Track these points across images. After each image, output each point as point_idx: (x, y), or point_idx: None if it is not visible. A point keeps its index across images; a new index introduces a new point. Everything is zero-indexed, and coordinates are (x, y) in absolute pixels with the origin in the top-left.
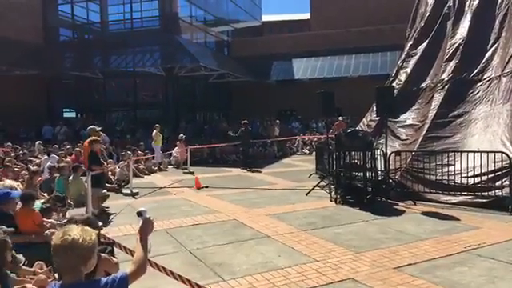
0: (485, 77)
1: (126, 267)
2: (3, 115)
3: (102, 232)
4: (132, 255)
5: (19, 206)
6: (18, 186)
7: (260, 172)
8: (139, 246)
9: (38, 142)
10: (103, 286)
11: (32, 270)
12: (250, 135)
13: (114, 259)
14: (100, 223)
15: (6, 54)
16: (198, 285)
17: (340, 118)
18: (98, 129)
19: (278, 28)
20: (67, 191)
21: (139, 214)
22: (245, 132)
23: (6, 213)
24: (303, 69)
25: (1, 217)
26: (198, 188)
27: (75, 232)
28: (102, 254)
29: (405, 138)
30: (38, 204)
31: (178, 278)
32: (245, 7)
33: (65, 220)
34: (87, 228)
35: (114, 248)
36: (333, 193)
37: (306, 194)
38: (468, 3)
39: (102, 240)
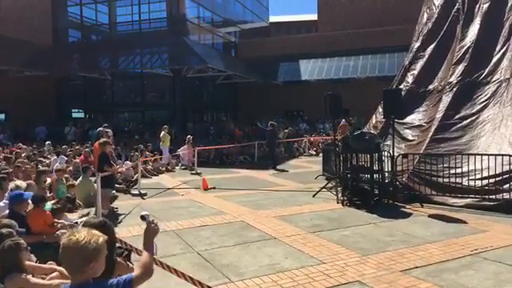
0: (493, 79)
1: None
2: (13, 115)
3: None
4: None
5: (31, 207)
6: (30, 184)
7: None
8: (145, 248)
9: (47, 142)
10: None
11: (46, 266)
12: (276, 136)
13: (129, 264)
14: None
15: (16, 54)
16: (208, 286)
17: (343, 121)
18: (108, 130)
19: (285, 29)
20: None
21: (142, 217)
22: (271, 132)
23: (19, 213)
24: (310, 70)
25: (13, 217)
26: (206, 189)
27: (81, 234)
28: (118, 258)
29: (411, 138)
30: (48, 205)
31: (188, 280)
32: (252, 8)
33: (77, 221)
34: (96, 232)
35: (132, 253)
36: (340, 195)
37: (313, 196)
38: (478, 6)
39: (119, 244)
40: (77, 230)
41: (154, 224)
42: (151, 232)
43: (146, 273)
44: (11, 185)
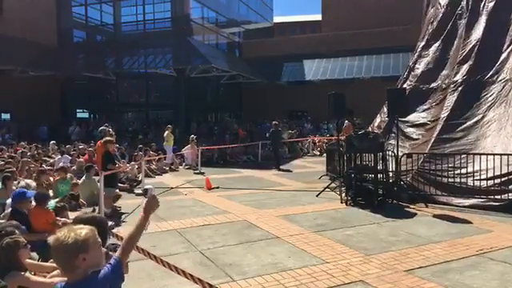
0: (499, 79)
1: (139, 265)
2: (17, 115)
3: (115, 231)
4: (144, 254)
5: (33, 205)
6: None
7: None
8: (137, 221)
9: (52, 141)
10: (101, 279)
11: (47, 265)
12: (280, 136)
13: None
14: (111, 223)
15: (21, 55)
16: (209, 284)
17: (346, 122)
18: (109, 130)
19: (289, 29)
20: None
21: (145, 191)
22: (275, 132)
23: (21, 211)
24: (314, 70)
25: (16, 215)
26: (209, 188)
27: (61, 231)
28: (110, 252)
29: (415, 137)
30: (52, 203)
31: (189, 278)
32: (256, 8)
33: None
34: (78, 226)
35: None
36: (343, 194)
37: (317, 196)
38: (483, 4)
39: (116, 240)
40: (59, 230)
41: (155, 199)
42: (151, 206)
43: (129, 245)
44: (21, 183)
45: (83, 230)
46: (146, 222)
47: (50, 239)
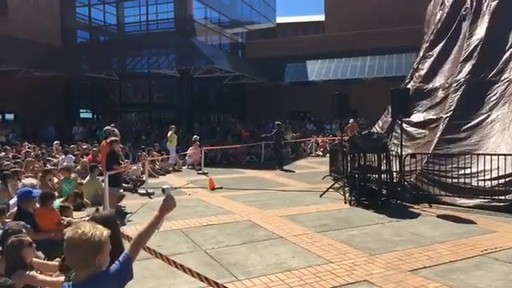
0: (502, 78)
1: (144, 264)
2: (21, 115)
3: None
4: (151, 253)
5: (38, 204)
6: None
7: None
8: (151, 219)
9: (55, 142)
10: (111, 275)
11: (53, 263)
12: (283, 136)
13: None
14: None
15: (25, 55)
16: (215, 282)
17: (351, 121)
18: (115, 129)
19: (292, 30)
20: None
21: (163, 190)
22: (278, 133)
23: (27, 211)
24: (317, 70)
25: (22, 214)
26: (212, 189)
27: (86, 226)
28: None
29: (417, 136)
30: (57, 203)
31: (196, 276)
32: (259, 9)
33: (85, 219)
34: (99, 225)
35: None
36: (347, 195)
37: (320, 196)
38: (486, 4)
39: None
40: (81, 224)
41: (172, 199)
42: (167, 205)
43: (140, 242)
44: (24, 182)
45: (105, 231)
46: (160, 220)
47: (72, 233)
